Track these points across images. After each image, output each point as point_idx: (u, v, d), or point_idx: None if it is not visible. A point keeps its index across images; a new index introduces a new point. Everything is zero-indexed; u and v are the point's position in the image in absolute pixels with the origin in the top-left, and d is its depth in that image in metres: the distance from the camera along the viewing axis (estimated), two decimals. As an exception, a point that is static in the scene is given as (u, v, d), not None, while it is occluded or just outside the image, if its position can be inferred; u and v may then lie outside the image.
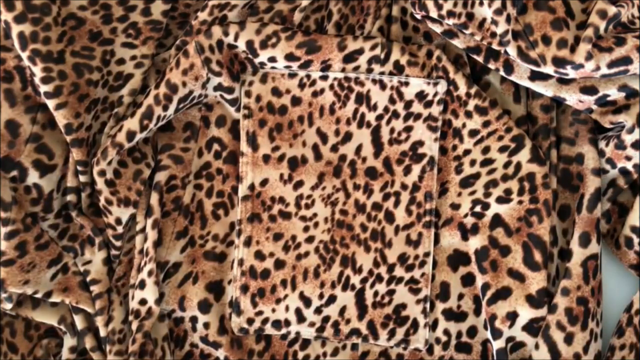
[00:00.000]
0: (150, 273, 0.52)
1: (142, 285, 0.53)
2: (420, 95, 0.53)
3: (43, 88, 0.51)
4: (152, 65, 0.55)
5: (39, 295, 0.52)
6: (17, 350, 0.54)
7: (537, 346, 0.52)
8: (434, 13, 0.51)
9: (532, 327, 0.52)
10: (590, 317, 0.52)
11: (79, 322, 0.53)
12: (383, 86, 0.54)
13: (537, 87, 0.51)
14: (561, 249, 0.54)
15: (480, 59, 0.52)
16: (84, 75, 0.52)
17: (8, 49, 0.52)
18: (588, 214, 0.53)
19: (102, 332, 0.53)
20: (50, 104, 0.51)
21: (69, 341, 0.54)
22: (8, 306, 0.52)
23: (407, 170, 0.54)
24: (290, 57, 0.53)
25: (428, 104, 0.54)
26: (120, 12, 0.54)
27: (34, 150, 0.52)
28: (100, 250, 0.54)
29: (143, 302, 0.53)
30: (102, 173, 0.52)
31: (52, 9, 0.51)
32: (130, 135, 0.51)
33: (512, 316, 0.52)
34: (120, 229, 0.53)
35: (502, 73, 0.52)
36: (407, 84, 0.53)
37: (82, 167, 0.52)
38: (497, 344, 0.52)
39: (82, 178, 0.52)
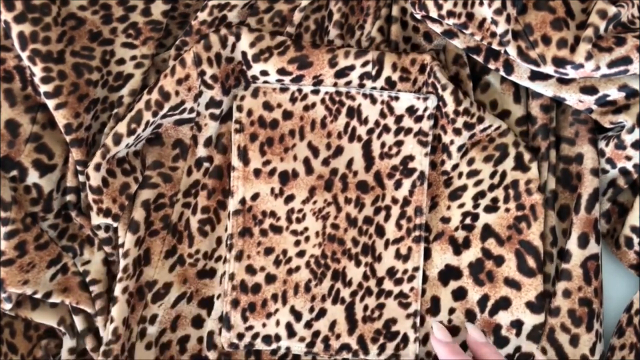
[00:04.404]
0: (124, 290, 0.52)
1: (114, 301, 0.52)
2: (411, 110, 0.53)
3: (43, 88, 0.51)
4: (152, 65, 0.55)
5: (38, 296, 0.52)
6: (17, 350, 0.53)
7: (544, 350, 0.52)
8: (434, 13, 0.51)
9: (536, 333, 0.52)
10: (595, 318, 0.52)
11: (79, 323, 0.53)
12: (374, 100, 0.54)
13: (537, 87, 0.51)
14: (561, 249, 0.54)
15: (480, 59, 0.52)
16: (84, 75, 0.52)
17: (8, 49, 0.52)
18: (586, 215, 0.52)
19: (102, 333, 0.53)
20: (50, 104, 0.51)
21: (68, 342, 0.54)
22: (7, 306, 0.52)
23: (398, 185, 0.54)
24: (282, 71, 0.53)
25: (418, 119, 0.53)
26: (120, 12, 0.54)
27: (33, 150, 0.52)
28: (100, 250, 0.54)
29: (111, 320, 0.51)
30: (88, 177, 0.51)
31: (52, 9, 0.51)
32: (117, 137, 0.51)
33: (517, 324, 0.52)
34: (102, 234, 0.53)
35: (502, 73, 0.52)
36: (397, 98, 0.53)
37: (82, 167, 0.52)
38: (502, 352, 0.52)
39: (81, 178, 0.52)
